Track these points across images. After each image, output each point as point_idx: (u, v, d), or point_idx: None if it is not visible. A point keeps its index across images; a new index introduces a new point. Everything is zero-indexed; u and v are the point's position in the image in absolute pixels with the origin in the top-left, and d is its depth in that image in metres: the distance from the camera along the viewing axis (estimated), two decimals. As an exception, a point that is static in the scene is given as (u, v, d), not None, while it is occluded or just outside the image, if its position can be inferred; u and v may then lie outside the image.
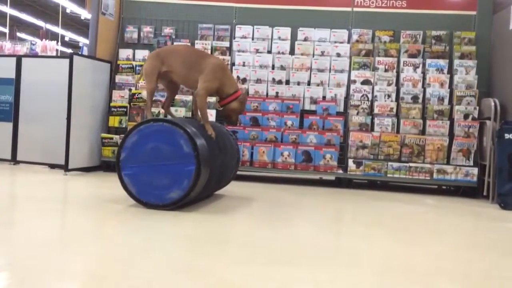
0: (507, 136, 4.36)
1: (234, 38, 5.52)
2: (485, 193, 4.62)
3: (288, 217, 3.27)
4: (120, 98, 5.34)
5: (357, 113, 5.11)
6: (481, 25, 5.28)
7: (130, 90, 5.37)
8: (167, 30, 5.66)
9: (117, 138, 5.12)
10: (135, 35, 5.71)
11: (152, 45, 5.64)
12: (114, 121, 5.28)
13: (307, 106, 5.24)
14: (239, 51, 5.45)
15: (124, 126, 5.24)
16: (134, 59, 5.60)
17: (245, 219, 3.13)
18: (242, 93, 3.53)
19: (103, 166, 5.26)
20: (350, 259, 2.31)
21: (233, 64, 5.44)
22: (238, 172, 5.48)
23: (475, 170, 4.78)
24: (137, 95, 5.29)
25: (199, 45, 5.51)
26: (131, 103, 5.29)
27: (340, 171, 4.99)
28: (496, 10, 5.20)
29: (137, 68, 5.46)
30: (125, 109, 5.27)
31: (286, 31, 5.48)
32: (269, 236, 2.69)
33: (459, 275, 2.18)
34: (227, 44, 5.51)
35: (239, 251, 2.34)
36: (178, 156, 3.09)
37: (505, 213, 4.05)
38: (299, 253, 2.35)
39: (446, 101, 5.06)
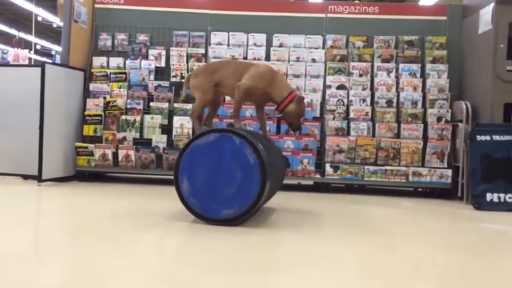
0: (479, 138, 4.46)
1: (210, 45, 5.52)
2: (459, 194, 4.70)
3: (271, 222, 3.26)
4: (94, 106, 5.26)
5: (333, 118, 5.16)
6: (451, 30, 5.41)
7: (104, 98, 5.29)
8: (142, 37, 5.62)
9: (92, 147, 5.04)
10: (109, 43, 5.64)
11: (126, 53, 5.59)
12: (88, 130, 5.20)
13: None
14: (214, 57, 5.43)
15: (99, 135, 5.16)
16: (108, 67, 5.54)
17: (226, 226, 3.11)
18: (297, 95, 3.41)
19: (78, 176, 5.17)
20: (330, 264, 2.31)
21: (209, 70, 5.42)
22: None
23: (449, 172, 4.87)
24: (112, 103, 5.22)
25: (174, 52, 5.48)
26: (106, 112, 5.22)
27: (318, 176, 5.02)
28: (465, 15, 5.34)
29: (111, 76, 5.40)
30: (100, 118, 5.19)
31: (261, 38, 5.51)
32: (250, 243, 2.67)
33: (436, 276, 2.21)
34: (202, 51, 5.50)
35: (221, 259, 2.31)
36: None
37: (479, 214, 4.14)
38: (280, 259, 2.35)
39: (420, 104, 5.15)
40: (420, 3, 10.73)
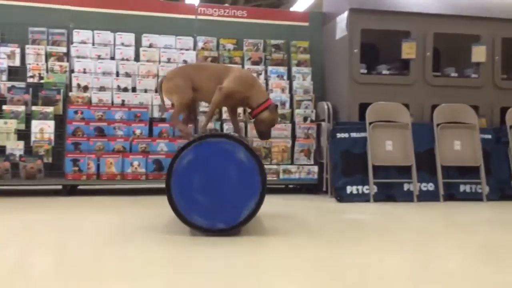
0: (338, 135, 4.84)
1: (72, 43, 5.14)
2: (324, 189, 5.06)
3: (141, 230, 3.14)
4: None
5: (206, 119, 5.17)
6: (313, 35, 5.79)
7: None
8: (-10, 34, 5.02)
9: None
10: (-51, 38, 4.94)
11: (-28, 50, 4.95)
12: None
13: (156, 114, 5.13)
14: (78, 57, 5.09)
15: None
16: (-51, 66, 4.84)
17: (89, 235, 2.91)
18: (272, 103, 3.29)
19: None
20: (197, 267, 2.29)
21: (72, 71, 5.06)
22: (83, 187, 5.13)
23: (315, 168, 5.20)
24: (-45, 107, 4.57)
25: (30, 50, 5.00)
26: None
27: (193, 178, 4.98)
28: (325, 22, 5.76)
29: (-47, 75, 4.72)
30: None
31: (129, 37, 5.29)
32: (117, 251, 2.53)
33: (297, 268, 2.32)
34: (64, 49, 5.11)
35: (76, 268, 2.15)
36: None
37: (341, 205, 4.48)
38: (145, 267, 2.26)
39: (288, 105, 5.42)
40: (292, 9, 11.33)
